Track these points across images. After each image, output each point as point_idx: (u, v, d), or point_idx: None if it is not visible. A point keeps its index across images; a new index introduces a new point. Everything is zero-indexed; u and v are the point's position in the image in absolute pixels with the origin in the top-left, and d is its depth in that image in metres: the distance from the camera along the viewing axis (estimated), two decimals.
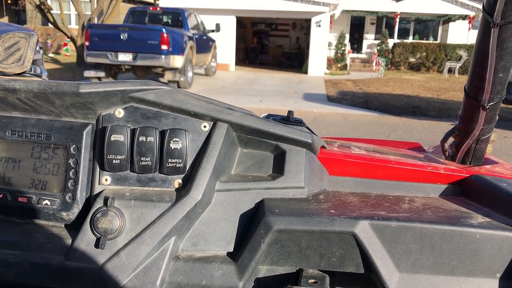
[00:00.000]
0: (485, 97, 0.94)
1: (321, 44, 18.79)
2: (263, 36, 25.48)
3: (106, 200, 0.80)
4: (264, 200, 0.84)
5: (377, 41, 22.14)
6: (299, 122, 0.99)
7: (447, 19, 22.24)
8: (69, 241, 0.82)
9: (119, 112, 0.85)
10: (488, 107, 0.95)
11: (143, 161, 0.83)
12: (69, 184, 0.85)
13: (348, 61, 21.08)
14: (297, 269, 0.84)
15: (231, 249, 0.83)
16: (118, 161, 0.83)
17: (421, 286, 0.76)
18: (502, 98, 0.96)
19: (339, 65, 20.69)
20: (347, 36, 22.29)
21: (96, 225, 0.78)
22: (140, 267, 0.78)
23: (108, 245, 0.79)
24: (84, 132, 0.85)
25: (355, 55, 22.93)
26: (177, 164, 0.83)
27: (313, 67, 18.77)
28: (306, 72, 18.95)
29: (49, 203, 0.85)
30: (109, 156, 0.83)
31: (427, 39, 23.11)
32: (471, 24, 22.24)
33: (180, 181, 0.85)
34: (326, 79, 16.24)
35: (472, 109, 0.99)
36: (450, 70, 19.89)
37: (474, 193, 0.90)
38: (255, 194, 0.85)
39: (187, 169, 0.85)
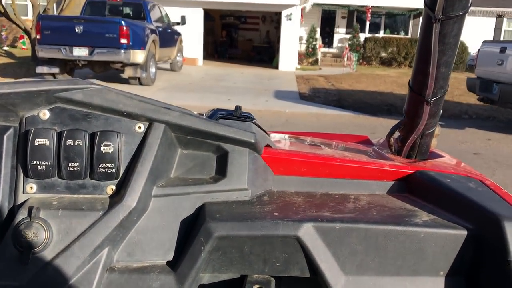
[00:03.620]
0: (428, 92, 0.95)
1: (292, 38, 18.30)
2: (232, 30, 24.75)
3: (30, 210, 0.73)
4: (206, 204, 0.81)
5: (348, 36, 21.80)
6: (247, 118, 0.98)
7: (418, 13, 22.08)
8: None
9: (44, 114, 0.78)
10: (432, 102, 0.96)
11: (72, 166, 0.77)
12: None
13: (319, 56, 20.66)
14: (241, 274, 0.80)
15: (170, 258, 0.79)
16: (44, 167, 0.77)
17: None
18: (446, 92, 0.97)
19: (310, 60, 20.26)
20: (318, 30, 21.88)
21: (19, 238, 0.71)
22: (69, 281, 0.72)
23: (33, 260, 0.72)
24: (5, 136, 0.78)
25: (326, 49, 22.55)
26: (109, 169, 0.78)
27: (284, 62, 18.26)
28: (277, 67, 18.41)
29: None
30: (33, 162, 0.76)
31: (398, 34, 22.93)
32: None
33: (113, 187, 0.80)
34: (298, 75, 15.72)
35: (416, 103, 1.00)
36: None
37: (419, 190, 0.90)
38: (195, 198, 0.81)
39: (120, 174, 0.80)
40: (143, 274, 0.76)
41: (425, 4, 0.89)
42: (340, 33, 23.03)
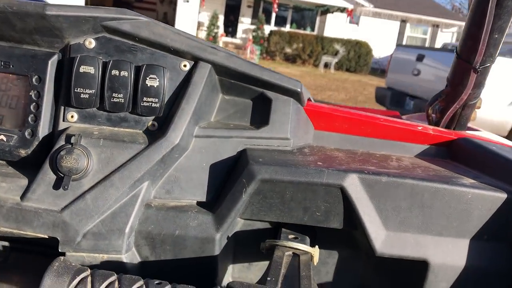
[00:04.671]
0: (477, 58, 0.91)
1: (189, 23, 16.35)
2: (126, 8, 22.05)
3: (71, 137, 0.73)
4: (247, 149, 0.79)
5: (253, 27, 20.25)
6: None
7: (326, 10, 21.17)
8: (26, 181, 0.74)
9: (90, 42, 0.77)
10: (480, 70, 0.93)
11: (115, 97, 0.75)
12: (29, 119, 0.77)
13: (221, 46, 18.82)
14: (276, 225, 0.81)
15: (209, 199, 0.77)
16: (87, 95, 0.75)
17: (408, 246, 0.73)
18: (494, 61, 0.93)
19: None
20: (221, 17, 20.08)
21: (60, 163, 0.70)
22: (107, 212, 0.71)
23: (72, 186, 0.72)
24: (49, 62, 0.77)
25: (229, 39, 20.83)
26: (153, 103, 0.76)
27: None
28: None
29: (5, 138, 0.77)
30: (77, 89, 0.75)
31: (305, 30, 21.86)
32: (350, 18, 21.45)
33: (155, 123, 0.78)
34: None
35: (462, 71, 0.96)
36: (326, 65, 18.77)
37: (462, 156, 0.88)
38: (237, 142, 0.79)
39: (163, 110, 0.77)
40: (181, 213, 0.74)
41: None
42: (245, 23, 21.43)
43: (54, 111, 0.77)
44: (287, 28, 21.41)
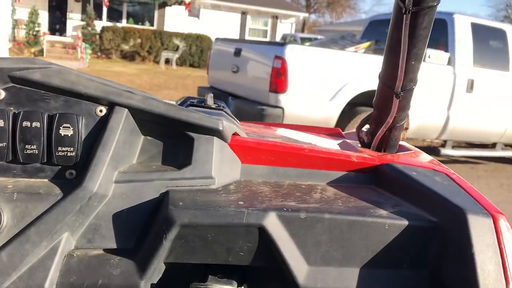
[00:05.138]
0: (398, 84, 0.94)
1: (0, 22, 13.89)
2: None
3: None
4: (169, 191, 0.77)
5: (83, 23, 18.30)
6: (219, 106, 1.00)
7: (163, 2, 20.05)
8: None
9: None
10: (401, 95, 0.96)
11: (28, 149, 0.73)
12: None
13: (45, 46, 16.65)
14: (204, 265, 0.80)
15: (131, 246, 0.76)
16: None
17: (330, 279, 0.76)
18: (415, 85, 0.96)
19: (33, 49, 16.11)
20: (44, 13, 17.77)
21: None
22: (24, 268, 0.69)
23: None
24: None
25: (56, 37, 18.57)
26: (69, 152, 0.75)
27: None
28: None
29: None
30: None
31: (143, 24, 20.48)
32: (188, 11, 20.63)
33: (72, 171, 0.76)
34: None
35: (385, 96, 0.99)
36: (168, 61, 17.73)
37: (385, 182, 0.90)
38: (158, 185, 0.78)
39: (80, 158, 0.76)
40: (103, 261, 0.73)
41: None
42: (75, 20, 19.30)
43: None
44: (123, 23, 19.83)
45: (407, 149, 1.09)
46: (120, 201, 0.75)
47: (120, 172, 0.77)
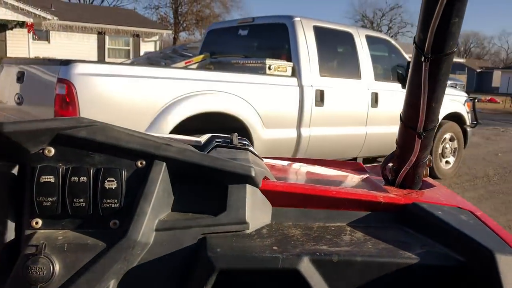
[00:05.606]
0: (419, 125, 0.97)
1: None
2: None
3: (36, 246, 0.76)
4: (207, 237, 0.82)
5: None
6: (243, 145, 1.06)
7: (2, 25, 17.56)
8: None
9: (49, 151, 0.79)
10: (424, 135, 0.98)
11: (76, 202, 0.78)
12: None
13: None
14: None
15: None
16: (49, 203, 0.78)
17: None
18: (436, 126, 0.99)
19: None
20: None
21: (27, 273, 0.73)
22: None
23: None
24: (11, 173, 0.79)
25: None
26: (113, 204, 0.80)
27: None
28: None
29: None
30: (39, 198, 0.77)
31: None
32: (32, 33, 18.32)
33: (116, 221, 0.80)
34: None
35: (408, 136, 1.02)
36: None
37: (412, 221, 0.91)
38: (196, 231, 0.82)
39: (123, 208, 0.80)
40: None
41: (415, 43, 0.91)
42: None
43: (20, 219, 0.78)
44: None
45: (431, 185, 1.12)
46: (161, 248, 0.79)
47: (160, 220, 0.81)
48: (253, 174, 0.85)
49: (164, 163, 0.82)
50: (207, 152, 0.97)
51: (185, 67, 4.84)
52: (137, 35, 22.53)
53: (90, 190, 0.77)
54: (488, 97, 28.72)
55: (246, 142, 1.08)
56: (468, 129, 6.72)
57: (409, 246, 0.82)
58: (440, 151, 6.24)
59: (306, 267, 0.75)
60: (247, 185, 0.85)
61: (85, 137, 0.78)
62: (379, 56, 5.85)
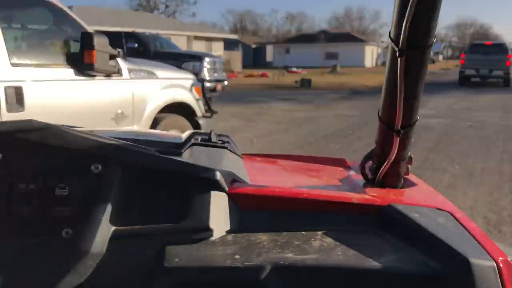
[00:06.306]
0: (397, 123, 0.94)
1: None
2: None
3: None
4: (166, 247, 0.76)
5: None
6: (223, 143, 1.05)
7: None
8: None
9: None
10: (402, 133, 0.95)
11: (24, 210, 0.74)
12: None
13: None
14: None
15: None
16: None
17: None
18: (415, 122, 0.96)
19: None
20: None
21: None
22: None
23: None
24: None
25: None
26: (65, 212, 0.75)
27: None
28: None
29: None
30: None
31: None
32: None
33: (69, 230, 0.75)
34: None
35: (386, 134, 0.99)
36: None
37: (387, 225, 0.86)
38: (155, 240, 0.77)
39: (76, 216, 0.76)
40: None
41: (390, 37, 0.86)
42: None
43: None
44: None
45: (412, 183, 1.08)
46: (116, 258, 0.75)
47: (116, 228, 0.76)
48: (217, 178, 0.81)
49: (121, 168, 0.78)
50: (183, 151, 0.97)
51: None
52: None
53: (39, 197, 0.74)
54: (260, 72, 29.54)
55: (227, 140, 1.07)
56: (202, 121, 5.17)
57: (382, 252, 0.77)
58: None
59: (269, 278, 0.71)
60: (212, 190, 0.81)
61: (35, 140, 0.75)
62: (31, 29, 3.77)
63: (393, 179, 1.03)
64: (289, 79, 23.46)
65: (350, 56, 46.79)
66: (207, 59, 11.14)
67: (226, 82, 11.98)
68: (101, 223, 0.74)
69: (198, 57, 11.12)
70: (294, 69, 33.64)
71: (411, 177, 1.09)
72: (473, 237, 0.79)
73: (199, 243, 0.77)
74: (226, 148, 0.99)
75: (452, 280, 0.72)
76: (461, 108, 11.66)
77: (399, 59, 0.84)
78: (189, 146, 0.98)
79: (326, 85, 20.51)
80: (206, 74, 10.96)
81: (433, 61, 52.51)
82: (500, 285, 0.70)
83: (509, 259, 0.73)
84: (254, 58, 51.70)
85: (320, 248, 0.77)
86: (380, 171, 1.02)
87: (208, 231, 0.78)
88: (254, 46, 54.44)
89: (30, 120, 0.75)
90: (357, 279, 0.73)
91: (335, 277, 0.72)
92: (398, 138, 0.94)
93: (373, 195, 0.94)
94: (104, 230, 0.74)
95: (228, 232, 0.81)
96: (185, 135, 1.10)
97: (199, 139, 1.03)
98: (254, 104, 12.92)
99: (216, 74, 11.37)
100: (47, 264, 0.71)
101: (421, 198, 0.98)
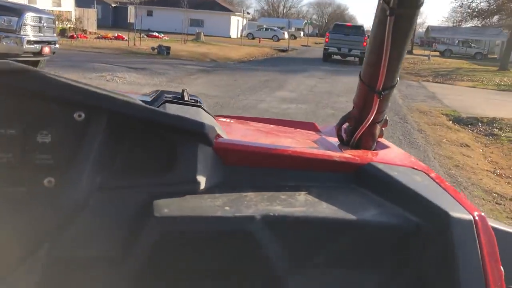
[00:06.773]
0: (379, 84, 0.95)
1: None
2: None
3: None
4: (153, 197, 0.77)
5: None
6: (195, 102, 1.02)
7: None
8: None
9: None
10: (383, 94, 0.97)
11: (4, 157, 0.71)
12: None
13: None
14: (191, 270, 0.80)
15: (116, 254, 0.74)
16: None
17: (315, 281, 0.76)
18: (395, 85, 0.98)
19: None
20: None
21: None
22: (6, 278, 0.68)
23: None
24: None
25: None
26: (47, 160, 0.73)
27: None
28: None
29: None
30: None
31: None
32: None
33: (52, 179, 0.73)
34: None
35: (366, 95, 1.00)
36: None
37: (367, 182, 0.90)
38: (142, 191, 0.77)
39: (59, 165, 0.74)
40: (86, 268, 0.72)
41: None
42: None
43: None
44: None
45: (385, 146, 1.11)
46: (102, 209, 0.73)
47: (102, 178, 0.74)
48: (205, 131, 0.81)
49: (106, 116, 0.75)
50: (157, 107, 0.93)
51: None
52: None
53: (20, 144, 0.70)
54: (116, 34, 26.63)
55: (198, 99, 1.06)
56: None
57: (364, 207, 0.81)
58: None
59: (259, 228, 0.73)
60: (199, 143, 0.81)
61: (14, 84, 0.70)
62: None
63: (368, 141, 1.07)
64: (148, 44, 21.24)
65: (215, 25, 45.48)
66: (29, 14, 8.75)
67: (57, 45, 9.69)
68: (85, 173, 0.72)
69: (15, 10, 8.64)
70: (155, 34, 31.20)
71: (383, 140, 1.15)
72: (449, 193, 0.85)
73: (187, 195, 0.77)
74: (200, 107, 0.99)
75: (432, 232, 0.77)
76: (322, 92, 11.11)
77: (388, 18, 0.87)
78: (162, 103, 0.96)
79: (187, 54, 18.83)
80: (27, 33, 8.62)
81: (295, 37, 53.79)
82: (476, 238, 0.75)
83: (482, 214, 0.79)
84: (115, 19, 47.31)
85: (306, 202, 0.82)
86: (357, 132, 1.06)
87: (195, 183, 0.79)
88: (114, 5, 49.90)
89: (7, 62, 0.69)
90: (344, 232, 0.77)
91: (322, 229, 0.76)
92: (378, 100, 0.98)
93: (353, 154, 0.98)
94: (89, 180, 0.72)
95: (214, 185, 0.82)
96: (152, 93, 1.09)
97: (171, 97, 1.02)
98: (95, 73, 10.82)
99: (42, 34, 9.05)
100: (28, 215, 0.68)
101: (396, 158, 1.03)
